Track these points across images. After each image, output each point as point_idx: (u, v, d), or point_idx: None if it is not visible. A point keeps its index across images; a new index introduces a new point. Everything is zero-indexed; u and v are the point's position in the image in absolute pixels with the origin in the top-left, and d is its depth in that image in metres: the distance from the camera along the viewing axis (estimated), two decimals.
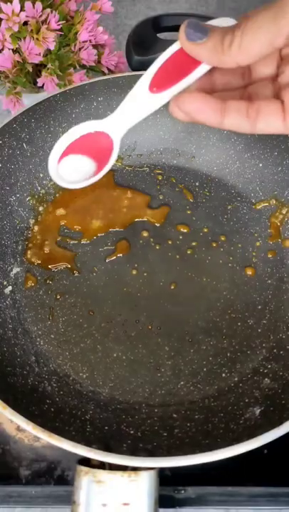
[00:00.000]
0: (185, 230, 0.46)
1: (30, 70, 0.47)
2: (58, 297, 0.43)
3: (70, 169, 0.30)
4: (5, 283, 0.43)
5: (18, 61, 0.46)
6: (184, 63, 0.27)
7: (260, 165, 0.48)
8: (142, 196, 0.48)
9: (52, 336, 0.41)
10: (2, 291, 0.42)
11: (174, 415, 0.37)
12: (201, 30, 0.25)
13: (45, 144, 0.46)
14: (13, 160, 0.44)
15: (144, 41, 0.49)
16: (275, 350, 0.40)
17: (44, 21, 0.45)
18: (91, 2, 0.49)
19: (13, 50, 0.45)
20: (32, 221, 0.46)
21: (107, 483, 0.32)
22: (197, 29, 0.25)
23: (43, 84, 0.47)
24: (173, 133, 0.50)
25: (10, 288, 0.43)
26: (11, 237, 0.44)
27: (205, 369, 0.40)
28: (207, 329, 0.41)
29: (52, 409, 0.36)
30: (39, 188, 0.46)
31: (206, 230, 0.46)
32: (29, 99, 0.47)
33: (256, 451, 0.32)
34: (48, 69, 0.46)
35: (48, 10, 0.45)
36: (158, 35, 0.50)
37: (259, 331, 0.41)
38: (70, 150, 0.30)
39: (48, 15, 0.44)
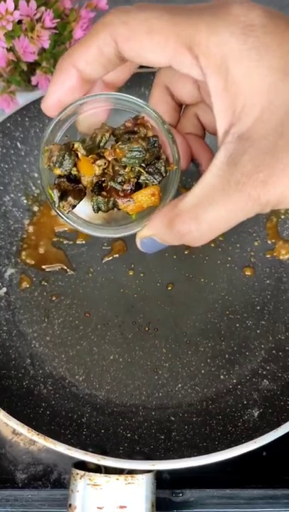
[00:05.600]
0: None
1: (25, 68, 0.46)
2: (54, 299, 0.42)
3: None
4: None
5: (12, 60, 0.45)
6: None
7: None
8: None
9: (47, 338, 0.41)
10: None
11: (172, 418, 0.37)
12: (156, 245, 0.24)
13: (40, 143, 0.45)
14: (7, 159, 0.43)
15: None
16: (273, 352, 0.40)
17: (38, 19, 0.44)
18: (86, 0, 0.48)
19: (7, 48, 0.44)
20: (26, 221, 0.45)
21: (103, 486, 0.31)
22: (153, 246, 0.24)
23: (38, 83, 0.46)
24: None
25: (4, 289, 0.42)
26: (5, 237, 0.44)
27: (203, 371, 0.39)
28: (205, 331, 0.41)
29: (47, 413, 0.36)
30: (34, 188, 0.46)
31: None
32: (23, 98, 0.47)
33: (255, 453, 0.32)
34: (42, 67, 0.46)
35: (43, 8, 0.44)
36: None
37: (258, 332, 0.41)
38: None
39: (43, 13, 0.44)
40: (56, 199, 0.24)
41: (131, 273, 0.43)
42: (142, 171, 0.24)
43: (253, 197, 0.20)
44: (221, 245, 0.45)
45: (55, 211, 0.25)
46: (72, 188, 0.24)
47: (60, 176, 0.24)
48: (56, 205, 0.24)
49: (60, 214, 0.25)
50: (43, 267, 0.43)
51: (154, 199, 0.24)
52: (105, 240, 0.45)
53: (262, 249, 0.44)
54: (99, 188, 0.24)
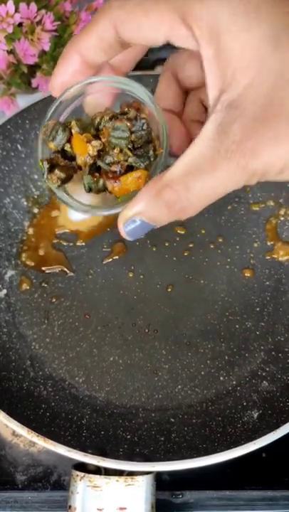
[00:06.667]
0: (182, 232, 0.46)
1: (26, 71, 0.46)
2: (54, 300, 0.42)
3: None
4: None
5: (12, 62, 0.45)
6: None
7: None
8: None
9: (47, 340, 0.41)
10: None
11: (172, 419, 0.37)
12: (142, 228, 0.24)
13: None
14: (7, 162, 0.43)
15: None
16: (273, 353, 0.40)
17: (39, 22, 0.44)
18: (86, 3, 0.49)
19: (7, 51, 0.45)
20: (27, 223, 0.45)
21: (103, 487, 0.31)
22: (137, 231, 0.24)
23: (38, 85, 0.47)
24: None
25: (4, 291, 0.42)
26: (6, 239, 0.44)
27: (203, 372, 0.39)
28: (205, 332, 0.41)
29: (47, 414, 0.36)
30: (34, 190, 0.46)
31: (203, 232, 0.46)
32: (24, 100, 0.47)
33: (254, 455, 0.32)
34: (42, 69, 0.46)
35: (43, 11, 0.44)
36: None
37: (257, 333, 0.41)
38: None
39: (43, 16, 0.44)
40: (45, 170, 0.25)
41: (131, 275, 0.43)
42: (129, 152, 0.24)
43: (241, 165, 0.20)
44: (221, 247, 0.45)
45: (46, 182, 0.25)
46: (64, 164, 0.25)
47: (55, 152, 0.25)
48: (45, 177, 0.25)
49: (50, 186, 0.25)
50: (43, 268, 0.43)
51: (140, 183, 0.24)
52: (105, 242, 0.45)
53: (261, 250, 0.45)
54: (95, 169, 0.25)
